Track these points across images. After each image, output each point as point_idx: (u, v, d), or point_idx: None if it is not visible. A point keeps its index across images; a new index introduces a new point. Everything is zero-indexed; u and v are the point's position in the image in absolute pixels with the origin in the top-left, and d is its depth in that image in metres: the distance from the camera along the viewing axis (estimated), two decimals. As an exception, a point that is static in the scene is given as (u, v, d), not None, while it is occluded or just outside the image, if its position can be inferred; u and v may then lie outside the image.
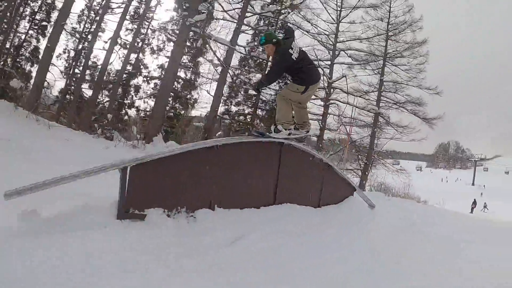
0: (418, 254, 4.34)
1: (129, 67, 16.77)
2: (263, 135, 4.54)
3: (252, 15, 14.65)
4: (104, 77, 15.26)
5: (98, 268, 2.42)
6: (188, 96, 17.45)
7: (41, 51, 17.41)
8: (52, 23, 17.13)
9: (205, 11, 10.13)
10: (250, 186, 4.35)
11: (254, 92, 17.39)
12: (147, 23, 17.30)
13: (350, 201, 5.76)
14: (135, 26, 16.72)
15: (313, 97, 19.86)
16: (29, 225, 2.68)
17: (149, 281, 2.43)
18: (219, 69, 13.86)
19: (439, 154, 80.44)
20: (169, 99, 15.08)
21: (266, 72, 8.40)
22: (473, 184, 58.75)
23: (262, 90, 12.31)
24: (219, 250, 3.21)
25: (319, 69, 7.15)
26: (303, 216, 4.50)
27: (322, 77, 18.66)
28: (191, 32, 12.39)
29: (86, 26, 16.95)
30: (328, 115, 19.80)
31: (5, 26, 10.95)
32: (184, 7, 11.64)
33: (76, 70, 16.72)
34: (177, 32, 16.96)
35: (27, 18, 16.79)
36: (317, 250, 3.72)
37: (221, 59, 13.41)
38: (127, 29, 16.83)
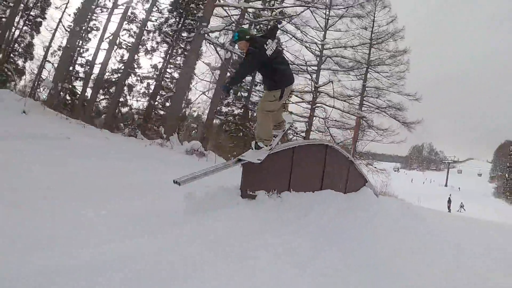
0: (410, 254, 4.61)
1: (120, 66, 17.03)
2: (240, 161, 4.65)
3: (247, 23, 15.27)
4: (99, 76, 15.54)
5: (241, 230, 3.64)
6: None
7: (35, 47, 17.55)
8: (47, 19, 17.32)
9: (225, 23, 10.69)
10: (308, 176, 5.86)
11: (244, 94, 18.08)
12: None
13: (364, 191, 7.42)
14: (132, 27, 17.06)
15: (299, 100, 20.96)
16: (190, 202, 3.99)
17: (270, 239, 3.56)
18: (216, 72, 14.44)
19: (413, 155, 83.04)
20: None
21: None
22: (446, 185, 61.27)
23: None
24: (299, 221, 4.53)
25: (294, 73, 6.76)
26: (336, 201, 5.92)
27: (309, 81, 19.82)
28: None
29: (83, 24, 17.05)
30: (314, 118, 20.74)
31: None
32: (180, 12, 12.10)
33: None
34: (171, 32, 17.60)
35: (20, 13, 16.83)
36: (339, 236, 4.59)
37: (220, 63, 13.98)
38: (123, 29, 17.11)
